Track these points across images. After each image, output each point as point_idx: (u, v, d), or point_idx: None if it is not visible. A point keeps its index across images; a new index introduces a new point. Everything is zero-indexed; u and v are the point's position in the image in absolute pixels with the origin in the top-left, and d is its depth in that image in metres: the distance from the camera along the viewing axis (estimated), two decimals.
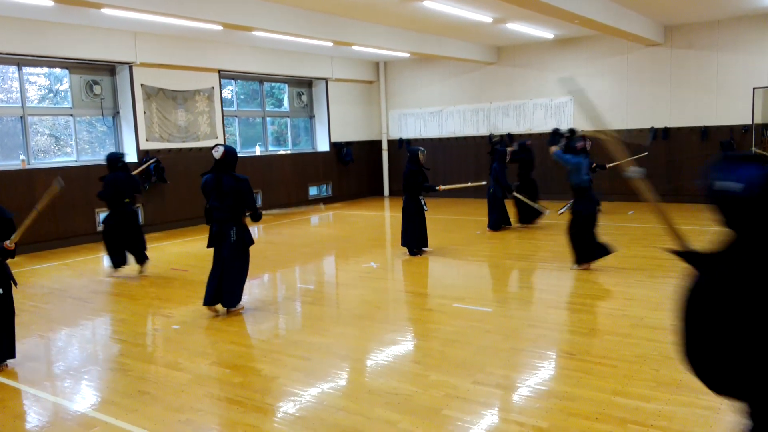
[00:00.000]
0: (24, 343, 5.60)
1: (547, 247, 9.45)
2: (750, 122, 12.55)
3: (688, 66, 13.10)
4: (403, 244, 8.98)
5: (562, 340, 5.21)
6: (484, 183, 10.79)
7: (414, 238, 8.87)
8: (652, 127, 13.55)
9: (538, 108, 15.06)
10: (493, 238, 10.19)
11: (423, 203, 8.82)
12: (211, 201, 6.06)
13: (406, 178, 8.84)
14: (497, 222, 10.74)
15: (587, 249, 7.50)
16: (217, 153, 5.98)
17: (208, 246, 6.20)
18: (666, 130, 13.45)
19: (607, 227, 10.83)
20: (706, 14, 12.10)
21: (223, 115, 13.47)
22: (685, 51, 13.10)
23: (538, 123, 15.09)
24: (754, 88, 12.47)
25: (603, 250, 7.57)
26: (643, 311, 5.82)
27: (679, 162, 13.41)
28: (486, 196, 10.86)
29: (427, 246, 9.04)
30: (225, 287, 6.14)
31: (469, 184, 10.39)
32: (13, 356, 4.98)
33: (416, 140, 16.89)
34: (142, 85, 11.85)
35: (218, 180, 6.01)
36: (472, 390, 4.20)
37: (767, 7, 11.48)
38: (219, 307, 6.27)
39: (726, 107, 12.77)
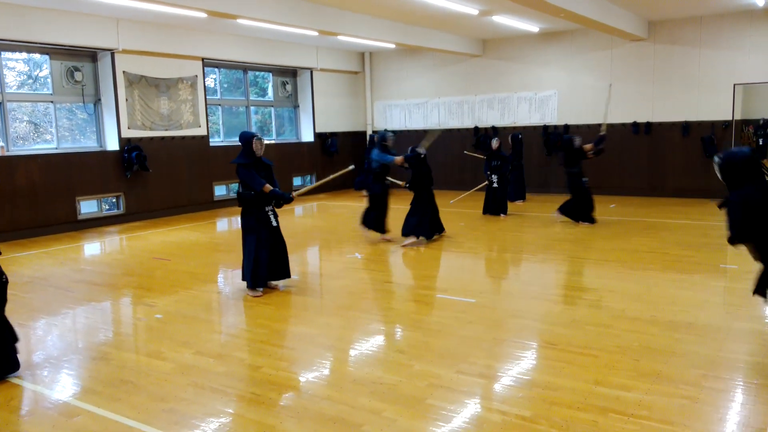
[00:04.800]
0: None
1: (530, 239, 9.52)
2: (730, 118, 12.73)
3: (671, 61, 13.23)
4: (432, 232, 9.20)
5: (544, 330, 5.26)
6: (352, 167, 8.62)
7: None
8: (635, 122, 13.68)
9: (523, 101, 15.12)
10: (477, 229, 10.24)
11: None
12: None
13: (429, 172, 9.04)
14: (496, 208, 11.62)
15: None
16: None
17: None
18: (648, 125, 13.58)
19: None
20: (689, 10, 12.22)
21: (206, 104, 13.34)
22: (668, 46, 13.22)
23: (522, 116, 15.16)
24: (735, 84, 12.63)
25: None
26: (623, 303, 5.90)
27: (661, 157, 13.57)
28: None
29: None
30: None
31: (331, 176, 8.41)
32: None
33: (401, 132, 16.90)
34: (124, 72, 11.69)
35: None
36: (456, 379, 4.23)
37: (749, 5, 11.62)
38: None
39: (708, 103, 12.93)
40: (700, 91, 13.01)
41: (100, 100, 11.81)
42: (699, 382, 4.08)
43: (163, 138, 12.45)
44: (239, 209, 6.61)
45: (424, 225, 8.97)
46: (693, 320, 5.34)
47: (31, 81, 11.40)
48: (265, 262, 6.44)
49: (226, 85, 14.73)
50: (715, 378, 4.14)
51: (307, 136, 16.19)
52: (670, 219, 10.79)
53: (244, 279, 6.58)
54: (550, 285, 6.98)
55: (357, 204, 13.94)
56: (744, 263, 7.54)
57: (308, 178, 16.23)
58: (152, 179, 12.22)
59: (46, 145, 11.34)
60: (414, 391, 4.06)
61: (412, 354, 4.76)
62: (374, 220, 9.20)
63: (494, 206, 11.43)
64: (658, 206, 12.31)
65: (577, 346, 4.78)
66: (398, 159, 8.80)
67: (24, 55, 11.06)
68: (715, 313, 5.60)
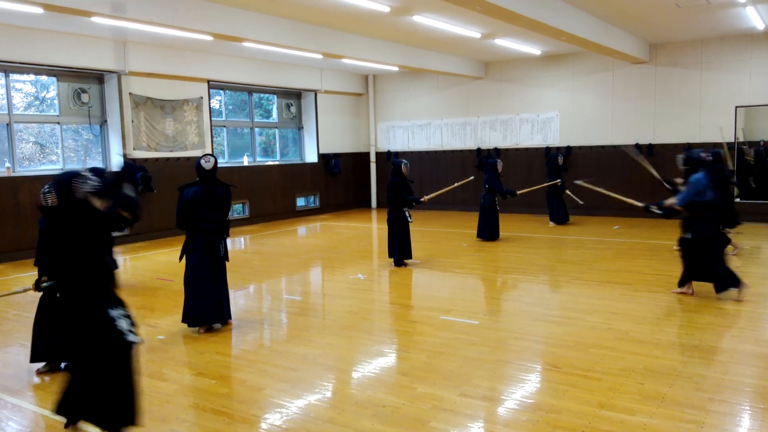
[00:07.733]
0: (6, 352, 5.53)
1: (533, 260, 9.50)
2: (732, 140, 12.75)
3: (673, 83, 13.31)
4: (390, 255, 9.03)
5: (548, 352, 5.23)
6: (471, 178, 11.87)
7: (398, 250, 8.91)
8: (637, 143, 13.72)
9: (525, 123, 15.19)
10: (480, 251, 10.23)
11: (407, 215, 8.90)
12: (200, 212, 5.96)
13: (389, 190, 8.93)
14: (490, 233, 11.10)
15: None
16: (209, 163, 5.93)
17: (182, 258, 6.09)
18: (650, 147, 13.62)
19: (592, 242, 10.93)
20: (690, 33, 12.32)
21: (211, 125, 13.44)
22: (669, 69, 13.31)
23: (524, 138, 15.22)
24: (736, 107, 12.69)
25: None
26: (627, 325, 5.87)
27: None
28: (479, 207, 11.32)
29: (410, 257, 9.06)
30: (225, 302, 6.14)
31: (456, 184, 11.00)
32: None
33: (404, 153, 16.96)
34: (130, 93, 11.81)
35: (211, 191, 5.95)
36: (459, 402, 4.21)
37: (750, 28, 11.72)
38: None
39: (709, 125, 12.96)
40: (701, 113, 13.06)
41: (106, 121, 11.91)
42: (704, 405, 4.05)
43: (168, 159, 12.53)
44: (239, 230, 6.57)
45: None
46: (698, 342, 5.31)
47: (38, 102, 11.52)
48: None
49: (230, 107, 14.85)
50: (720, 402, 4.11)
51: (311, 157, 16.28)
52: (674, 240, 10.75)
53: (210, 321, 6.08)
54: (554, 306, 6.95)
55: (360, 224, 13.94)
56: (750, 286, 7.50)
57: (311, 198, 16.28)
58: (156, 200, 12.26)
59: (51, 165, 11.41)
60: (417, 414, 4.03)
61: (415, 376, 4.73)
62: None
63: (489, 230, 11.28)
64: (662, 227, 12.27)
65: (580, 369, 4.75)
66: None
67: (31, 76, 11.18)
68: (719, 336, 5.56)
